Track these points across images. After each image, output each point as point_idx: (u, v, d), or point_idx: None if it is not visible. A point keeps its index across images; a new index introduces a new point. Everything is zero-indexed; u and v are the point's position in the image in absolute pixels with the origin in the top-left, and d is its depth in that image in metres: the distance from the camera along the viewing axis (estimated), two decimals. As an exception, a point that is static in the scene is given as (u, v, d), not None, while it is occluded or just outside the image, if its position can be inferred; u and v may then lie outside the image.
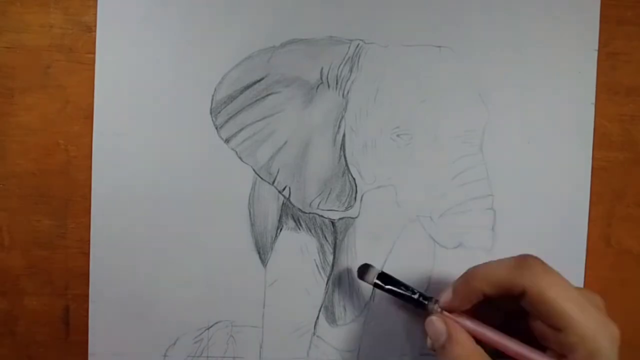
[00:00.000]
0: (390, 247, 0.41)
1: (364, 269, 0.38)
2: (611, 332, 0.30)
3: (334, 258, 0.41)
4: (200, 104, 0.40)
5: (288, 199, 0.41)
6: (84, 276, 0.40)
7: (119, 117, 0.39)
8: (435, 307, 0.35)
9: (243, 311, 0.40)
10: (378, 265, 0.40)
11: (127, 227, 0.40)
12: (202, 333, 0.40)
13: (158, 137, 0.40)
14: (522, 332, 0.32)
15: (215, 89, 0.40)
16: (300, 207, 0.41)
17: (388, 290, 0.37)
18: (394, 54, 0.41)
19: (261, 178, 0.40)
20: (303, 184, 0.41)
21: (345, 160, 0.41)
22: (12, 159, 0.39)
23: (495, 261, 0.33)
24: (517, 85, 0.41)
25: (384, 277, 0.38)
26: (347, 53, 0.40)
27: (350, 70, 0.40)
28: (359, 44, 0.40)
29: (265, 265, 0.40)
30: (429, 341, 0.34)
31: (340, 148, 0.41)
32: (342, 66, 0.40)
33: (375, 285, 0.37)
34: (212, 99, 0.40)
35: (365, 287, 0.41)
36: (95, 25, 0.39)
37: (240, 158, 0.40)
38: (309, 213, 0.41)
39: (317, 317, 0.41)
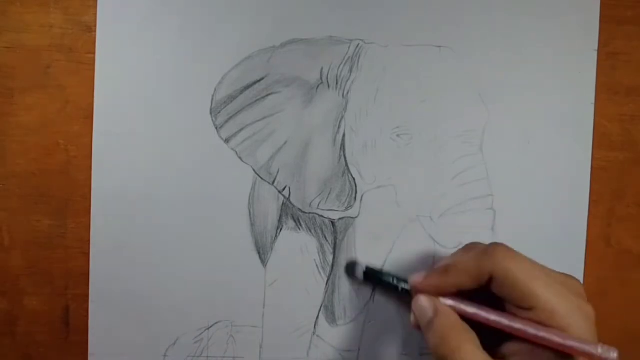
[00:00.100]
0: (390, 247, 0.41)
1: (352, 266, 0.40)
2: (585, 311, 0.30)
3: (334, 258, 0.41)
4: (200, 104, 0.40)
5: (288, 199, 0.41)
6: (84, 276, 0.40)
7: (119, 117, 0.39)
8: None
9: (243, 311, 0.40)
10: (378, 265, 0.40)
11: (127, 227, 0.40)
12: (202, 333, 0.40)
13: (158, 137, 0.40)
14: None
15: (215, 89, 0.40)
16: (300, 207, 0.41)
17: (378, 281, 0.39)
18: (394, 54, 0.41)
19: (261, 178, 0.40)
20: (303, 184, 0.41)
21: (345, 160, 0.41)
22: (12, 159, 0.39)
23: (461, 252, 0.34)
24: (517, 85, 0.41)
25: (371, 270, 0.40)
26: (347, 53, 0.40)
27: (350, 70, 0.40)
28: (359, 44, 0.40)
29: (265, 265, 0.40)
30: (413, 318, 0.34)
31: (340, 148, 0.41)
32: (342, 66, 0.40)
33: (365, 275, 0.39)
34: (212, 99, 0.40)
35: (365, 287, 0.41)
36: (95, 25, 0.39)
37: (240, 158, 0.40)
38: (309, 213, 0.41)
39: (317, 317, 0.41)
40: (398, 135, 0.41)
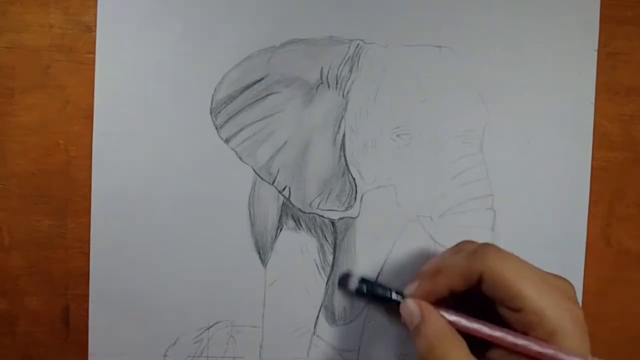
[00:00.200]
0: (390, 247, 0.41)
1: (344, 278, 0.40)
2: (574, 314, 0.29)
3: (334, 258, 0.41)
4: (200, 104, 0.40)
5: (288, 199, 0.41)
6: (84, 276, 0.40)
7: (119, 117, 0.39)
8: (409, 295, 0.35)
9: (243, 311, 0.40)
10: (378, 265, 0.40)
11: (127, 227, 0.40)
12: (202, 333, 0.40)
13: (158, 137, 0.40)
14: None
15: (215, 89, 0.40)
16: (300, 207, 0.41)
17: (370, 296, 0.38)
18: (394, 54, 0.41)
19: (261, 178, 0.40)
20: (303, 184, 0.41)
21: (345, 160, 0.41)
22: (12, 159, 0.39)
23: (451, 252, 0.34)
24: (517, 85, 0.41)
25: (364, 282, 0.39)
26: (347, 53, 0.40)
27: (350, 70, 0.40)
28: (359, 44, 0.40)
29: (265, 265, 0.41)
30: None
31: (340, 148, 0.41)
32: (342, 66, 0.40)
33: (357, 292, 0.39)
34: (212, 99, 0.40)
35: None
36: (95, 25, 0.39)
37: (240, 158, 0.40)
38: (309, 213, 0.41)
39: (317, 317, 0.41)
40: (398, 135, 0.41)
